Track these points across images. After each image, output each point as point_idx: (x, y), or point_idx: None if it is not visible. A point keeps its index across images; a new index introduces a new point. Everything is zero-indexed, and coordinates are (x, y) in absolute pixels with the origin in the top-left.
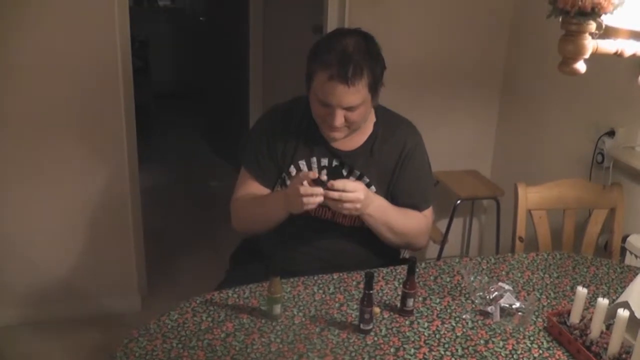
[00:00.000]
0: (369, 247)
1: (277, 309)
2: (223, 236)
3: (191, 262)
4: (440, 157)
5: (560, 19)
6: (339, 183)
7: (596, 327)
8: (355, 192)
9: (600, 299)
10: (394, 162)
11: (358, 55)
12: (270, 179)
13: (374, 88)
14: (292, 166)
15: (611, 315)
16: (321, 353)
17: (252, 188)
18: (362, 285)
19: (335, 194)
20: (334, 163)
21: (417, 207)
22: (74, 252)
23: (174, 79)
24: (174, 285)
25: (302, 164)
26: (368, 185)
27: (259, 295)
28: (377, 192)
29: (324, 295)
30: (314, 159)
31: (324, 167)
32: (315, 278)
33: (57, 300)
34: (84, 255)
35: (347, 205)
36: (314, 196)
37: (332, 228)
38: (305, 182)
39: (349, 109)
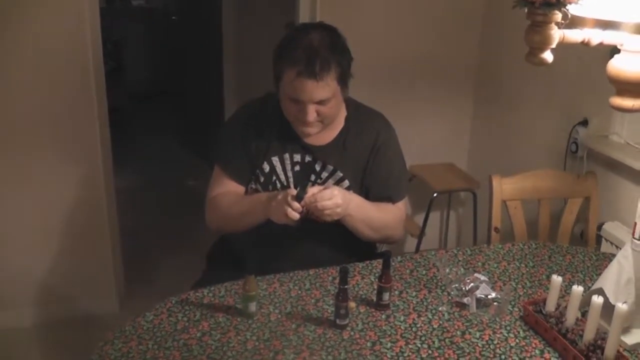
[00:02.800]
0: (344, 244)
1: (253, 306)
2: (200, 235)
3: (169, 261)
4: (416, 150)
5: (526, 10)
6: (314, 197)
7: (572, 314)
8: (332, 198)
9: (575, 287)
10: (367, 155)
11: (324, 49)
12: (244, 176)
13: (343, 80)
14: (265, 163)
15: (586, 302)
16: (297, 349)
17: (227, 186)
18: (337, 281)
19: (317, 205)
20: (307, 158)
21: (391, 199)
22: (50, 255)
23: (148, 79)
24: (151, 286)
25: (275, 160)
26: (342, 180)
27: (235, 293)
28: (351, 186)
29: (299, 292)
30: (287, 155)
31: (297, 162)
32: (291, 275)
33: (34, 304)
34: (60, 258)
35: (327, 212)
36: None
37: (306, 227)
38: (289, 199)
39: (320, 102)
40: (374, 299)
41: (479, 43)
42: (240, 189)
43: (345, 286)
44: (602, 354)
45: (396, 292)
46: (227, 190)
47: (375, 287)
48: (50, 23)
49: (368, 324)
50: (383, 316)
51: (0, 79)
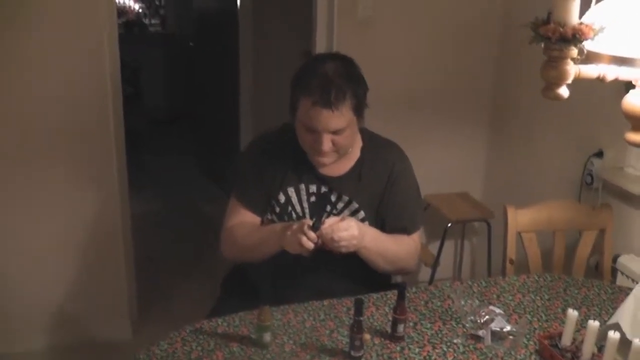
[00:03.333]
0: (359, 275)
1: (267, 337)
2: (215, 261)
3: (183, 287)
4: (430, 180)
5: (543, 45)
6: (330, 228)
7: (588, 349)
8: (348, 229)
9: (590, 322)
10: (382, 185)
11: (339, 78)
12: (260, 208)
13: (358, 110)
14: (280, 193)
15: (603, 336)
16: None
17: (243, 217)
18: (352, 312)
19: (333, 236)
20: (323, 189)
21: (406, 230)
22: (64, 279)
23: (166, 104)
24: (165, 312)
25: (291, 191)
26: (357, 211)
27: (249, 323)
28: (366, 217)
29: (314, 322)
30: (302, 186)
31: (313, 193)
32: (305, 305)
33: (48, 328)
34: (75, 282)
35: (343, 243)
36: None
37: (321, 257)
38: (305, 228)
39: (336, 132)
40: (389, 330)
41: (495, 73)
42: (256, 219)
43: (360, 317)
44: None
45: (411, 324)
46: (242, 220)
47: (390, 318)
48: (70, 49)
49: (383, 355)
50: (398, 348)
51: (19, 103)
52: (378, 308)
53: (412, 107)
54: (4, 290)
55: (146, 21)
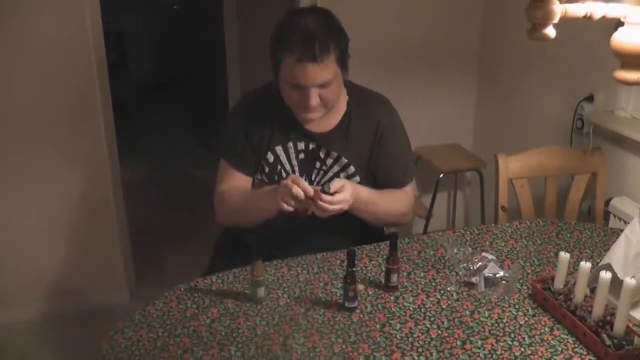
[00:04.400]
0: (352, 231)
1: (262, 292)
2: (208, 225)
3: (178, 252)
4: (420, 132)
5: None
6: (334, 197)
7: (580, 291)
8: (342, 192)
9: (582, 263)
10: (371, 141)
11: (321, 32)
12: (251, 168)
13: (343, 62)
14: (269, 153)
15: (595, 278)
16: (307, 333)
17: (235, 180)
18: (345, 264)
19: (326, 204)
20: (311, 146)
21: (398, 184)
22: (60, 250)
23: (152, 71)
24: (162, 277)
25: (279, 149)
26: (347, 166)
27: (243, 279)
28: (356, 172)
29: (308, 276)
30: (291, 144)
31: (301, 151)
32: (299, 259)
33: (45, 298)
34: (70, 252)
35: (336, 207)
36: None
37: (314, 216)
38: (299, 178)
39: (322, 86)
40: (383, 281)
41: (482, 22)
42: (248, 180)
43: (354, 269)
44: (612, 329)
45: (404, 274)
46: (234, 184)
47: (384, 269)
48: (50, 17)
49: (377, 306)
50: (392, 298)
51: (0, 76)
52: (371, 259)
53: (399, 60)
54: (1, 262)
55: None
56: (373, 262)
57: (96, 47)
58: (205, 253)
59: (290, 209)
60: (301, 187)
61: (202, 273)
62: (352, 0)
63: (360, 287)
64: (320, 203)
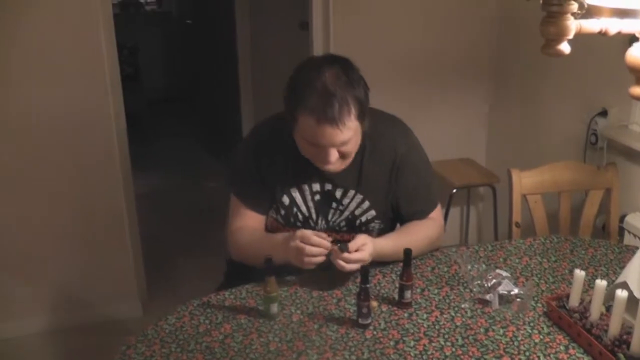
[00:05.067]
0: None
1: (274, 307)
2: (220, 236)
3: (191, 265)
4: (434, 146)
5: (541, 1)
6: (351, 255)
7: (596, 309)
8: (362, 250)
9: (598, 281)
10: (388, 171)
11: (340, 88)
12: (263, 207)
13: (363, 114)
14: (284, 196)
15: (610, 296)
16: (320, 350)
17: (248, 219)
18: (358, 280)
19: (343, 262)
20: (327, 187)
21: (423, 212)
22: (71, 260)
23: (165, 84)
24: (174, 290)
25: (294, 192)
26: (362, 201)
27: (256, 295)
28: (371, 206)
29: (321, 292)
30: (305, 187)
31: (317, 192)
32: (312, 275)
33: (58, 310)
34: (82, 263)
35: (353, 266)
36: (316, 257)
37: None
38: (309, 235)
39: (342, 144)
40: (396, 297)
41: (495, 36)
42: (261, 219)
43: (367, 285)
44: (628, 348)
45: (418, 290)
46: (246, 223)
47: (397, 285)
48: (64, 31)
49: (390, 322)
50: (405, 314)
51: (16, 88)
52: (384, 275)
53: (411, 73)
54: (15, 275)
55: (142, 0)
56: (386, 278)
57: (110, 60)
58: (217, 265)
59: (311, 267)
60: (314, 244)
61: (215, 288)
62: (365, 13)
63: (374, 303)
64: (339, 261)
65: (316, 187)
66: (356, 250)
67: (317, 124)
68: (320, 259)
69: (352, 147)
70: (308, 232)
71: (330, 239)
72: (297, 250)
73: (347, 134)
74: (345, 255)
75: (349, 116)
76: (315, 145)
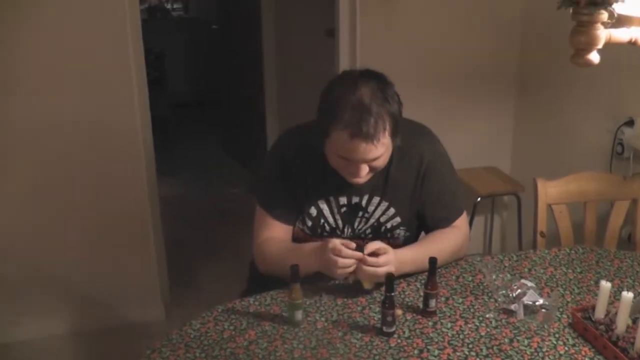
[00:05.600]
0: None
1: (299, 314)
2: (245, 242)
3: (214, 270)
4: (459, 154)
5: (571, 10)
6: (373, 257)
7: (622, 321)
8: (385, 254)
9: (624, 293)
10: (414, 179)
11: (376, 105)
12: (290, 218)
13: (396, 131)
14: (312, 207)
15: (637, 309)
16: (344, 357)
17: (274, 230)
18: (383, 288)
19: (369, 268)
20: (354, 200)
21: (448, 219)
22: (96, 264)
23: (190, 89)
24: (197, 294)
25: (322, 204)
26: (387, 208)
27: (280, 302)
28: (397, 213)
29: (345, 300)
30: (332, 199)
31: (344, 205)
32: (337, 282)
33: (82, 313)
34: (106, 267)
35: (381, 269)
36: (348, 268)
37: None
38: (340, 247)
39: (374, 160)
40: (421, 305)
41: (521, 44)
42: (288, 230)
43: (392, 293)
44: None
45: (442, 299)
46: (273, 235)
47: (422, 294)
48: (93, 36)
49: (415, 331)
50: (430, 323)
51: (43, 91)
52: (409, 284)
53: (436, 81)
54: (39, 278)
55: (168, 6)
56: (411, 287)
57: (136, 65)
58: (240, 270)
59: (344, 276)
60: (347, 257)
61: (239, 293)
62: (392, 21)
63: (398, 311)
64: (366, 268)
65: (343, 200)
66: (376, 255)
67: (351, 139)
68: (352, 268)
69: (383, 162)
70: (339, 245)
71: (356, 247)
72: (329, 262)
73: (380, 150)
74: (372, 259)
75: (384, 133)
76: (346, 159)
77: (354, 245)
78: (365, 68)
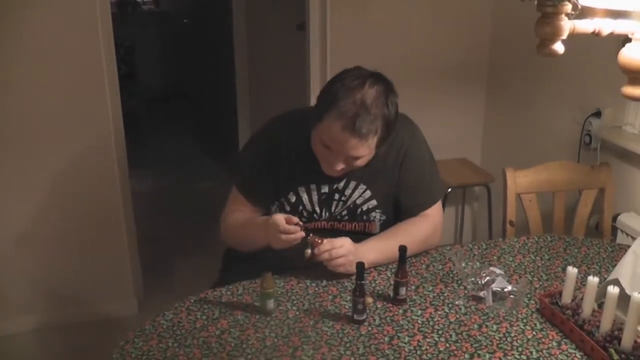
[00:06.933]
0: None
1: (271, 304)
2: (217, 236)
3: (186, 263)
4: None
5: (536, 2)
6: (325, 245)
7: (588, 306)
8: (342, 246)
9: (590, 278)
10: (392, 164)
11: (377, 108)
12: (262, 202)
13: (384, 139)
14: (291, 193)
15: (602, 293)
16: (316, 345)
17: (242, 208)
18: (354, 277)
19: (325, 255)
20: (335, 186)
21: (422, 205)
22: (68, 259)
23: (162, 83)
24: (170, 287)
25: (302, 190)
26: (364, 191)
27: (252, 291)
28: (373, 196)
29: (317, 288)
30: (313, 186)
31: (324, 193)
32: (308, 271)
33: (54, 308)
34: (78, 261)
35: (340, 261)
36: (292, 235)
37: (323, 232)
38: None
39: (354, 157)
40: (391, 294)
41: (490, 37)
42: (255, 210)
43: (362, 282)
44: (620, 344)
45: (413, 287)
46: (242, 212)
47: (392, 282)
48: (62, 30)
49: (385, 318)
50: (400, 311)
51: (14, 86)
52: (380, 272)
53: (407, 74)
54: (10, 273)
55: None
56: (381, 275)
57: (107, 58)
58: (213, 263)
59: (283, 246)
60: (285, 231)
61: (211, 285)
62: (362, 15)
63: (369, 299)
64: (321, 253)
65: (324, 188)
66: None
67: (341, 130)
68: (295, 242)
69: (361, 163)
70: (279, 219)
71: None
72: (272, 236)
73: (364, 151)
74: (326, 245)
75: (373, 136)
76: (328, 148)
77: (296, 220)
78: (377, 72)
